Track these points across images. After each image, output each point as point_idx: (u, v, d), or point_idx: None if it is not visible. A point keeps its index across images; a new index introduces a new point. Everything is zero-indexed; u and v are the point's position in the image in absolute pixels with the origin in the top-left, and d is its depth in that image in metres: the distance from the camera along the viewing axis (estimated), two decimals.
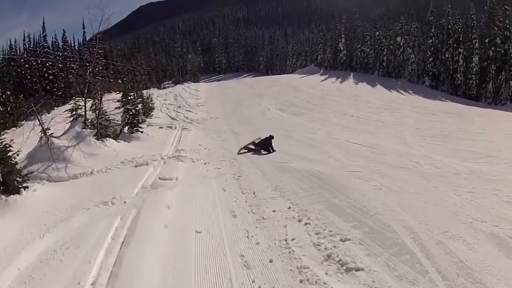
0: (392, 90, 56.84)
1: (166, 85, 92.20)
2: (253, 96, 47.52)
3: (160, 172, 15.92)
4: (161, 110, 39.52)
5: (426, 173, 14.47)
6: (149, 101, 36.84)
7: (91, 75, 29.47)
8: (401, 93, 55.48)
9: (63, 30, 73.46)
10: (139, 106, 28.66)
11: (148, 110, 33.78)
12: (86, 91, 22.57)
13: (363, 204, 11.10)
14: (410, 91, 56.99)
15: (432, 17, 66.48)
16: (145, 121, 28.83)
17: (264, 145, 20.66)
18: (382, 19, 79.25)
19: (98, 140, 20.52)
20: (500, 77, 53.51)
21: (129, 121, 25.20)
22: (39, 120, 19.23)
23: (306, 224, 10.08)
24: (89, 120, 22.06)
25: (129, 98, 25.78)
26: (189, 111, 39.30)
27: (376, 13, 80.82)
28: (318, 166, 15.88)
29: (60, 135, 20.07)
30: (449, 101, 51.14)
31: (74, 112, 23.11)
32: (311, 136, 24.22)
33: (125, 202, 12.19)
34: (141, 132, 25.15)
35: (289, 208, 11.17)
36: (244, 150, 20.76)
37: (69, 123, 22.37)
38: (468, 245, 8.50)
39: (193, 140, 24.60)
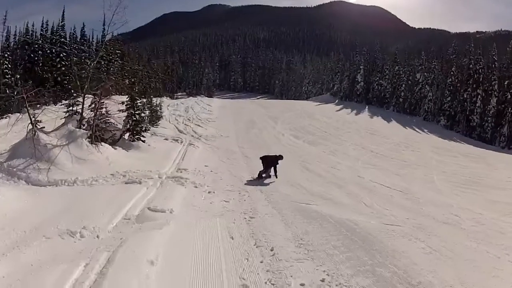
0: (407, 127, 55.23)
1: (179, 96, 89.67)
2: (267, 118, 44.10)
3: (153, 197, 12.37)
4: (169, 121, 36.16)
5: (472, 232, 11.50)
6: (158, 109, 33.65)
7: (101, 67, 26.26)
8: (416, 130, 54.00)
9: (83, 23, 69.58)
10: (146, 112, 25.25)
11: (155, 118, 30.48)
12: (86, 86, 19.37)
13: (417, 279, 7.81)
14: (425, 130, 55.47)
15: (454, 55, 65.15)
16: (149, 129, 25.32)
17: (269, 163, 17.11)
18: (403, 54, 76.58)
19: (91, 143, 17.21)
20: None
21: (131, 127, 21.91)
22: (27, 110, 16.22)
23: None
24: (86, 120, 18.83)
25: (135, 102, 22.52)
26: (198, 125, 35.86)
27: (397, 47, 78.10)
28: (349, 214, 12.34)
29: (50, 131, 16.84)
30: (464, 143, 49.51)
31: (70, 108, 19.93)
32: (332, 171, 20.58)
33: (97, 237, 8.86)
34: (143, 141, 21.82)
35: (324, 280, 7.52)
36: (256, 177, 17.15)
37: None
38: None
39: (199, 159, 20.99)
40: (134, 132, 21.90)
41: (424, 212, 13.41)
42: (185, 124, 35.60)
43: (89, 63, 21.85)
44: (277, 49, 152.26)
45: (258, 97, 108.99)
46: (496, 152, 41.32)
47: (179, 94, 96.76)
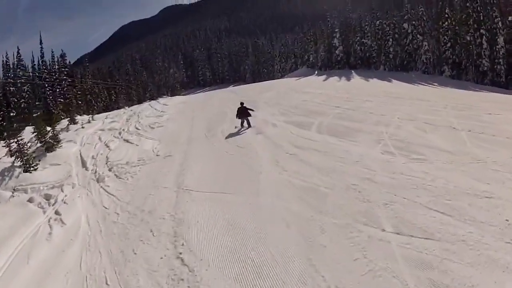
0: (415, 84, 41.24)
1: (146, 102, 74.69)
2: None
3: None
4: (82, 144, 19.50)
5: None
6: (52, 132, 17.88)
7: None
8: (428, 86, 40.09)
9: (17, 48, 54.48)
10: None
11: (27, 157, 14.28)
12: None
13: None
14: (435, 84, 41.82)
15: None
16: None
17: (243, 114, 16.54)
18: (384, 7, 61.95)
19: None
20: None
21: None
22: None
23: None
24: None
25: None
26: (127, 141, 19.05)
27: (373, 2, 63.50)
28: None
29: None
30: (485, 91, 36.16)
31: None
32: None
33: None
34: None
35: None
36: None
37: None
38: None
39: None
40: None
41: None
42: (105, 145, 18.82)
43: None
44: (241, 35, 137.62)
45: (231, 86, 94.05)
46: None
47: (148, 101, 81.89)
